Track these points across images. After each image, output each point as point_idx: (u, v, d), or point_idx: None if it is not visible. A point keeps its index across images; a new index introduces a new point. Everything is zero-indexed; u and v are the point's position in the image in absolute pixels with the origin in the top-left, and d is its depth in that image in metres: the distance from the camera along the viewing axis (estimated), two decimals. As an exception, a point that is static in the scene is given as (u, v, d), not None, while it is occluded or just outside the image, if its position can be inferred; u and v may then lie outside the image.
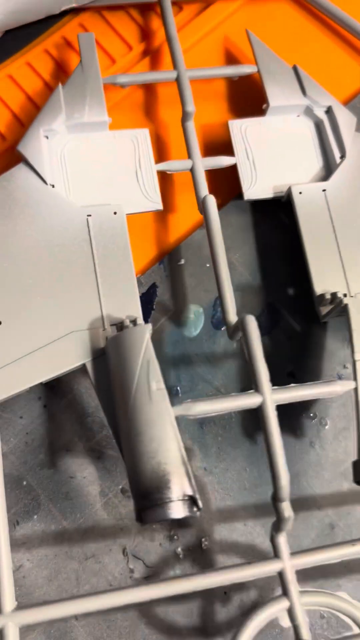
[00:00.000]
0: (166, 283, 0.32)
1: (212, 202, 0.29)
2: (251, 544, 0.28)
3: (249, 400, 0.24)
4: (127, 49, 0.35)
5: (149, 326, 0.25)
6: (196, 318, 0.32)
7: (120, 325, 0.27)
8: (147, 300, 0.32)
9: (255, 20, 0.36)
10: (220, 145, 0.33)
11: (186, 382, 0.30)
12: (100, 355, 0.26)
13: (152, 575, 0.28)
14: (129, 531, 0.28)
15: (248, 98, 0.34)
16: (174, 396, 0.30)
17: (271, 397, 0.24)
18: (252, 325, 0.24)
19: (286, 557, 0.24)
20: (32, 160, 0.30)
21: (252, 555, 0.28)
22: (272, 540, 0.24)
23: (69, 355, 0.26)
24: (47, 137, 0.30)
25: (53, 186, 0.29)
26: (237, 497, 0.29)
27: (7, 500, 0.25)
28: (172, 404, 0.24)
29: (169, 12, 0.34)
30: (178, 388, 0.30)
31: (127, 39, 0.35)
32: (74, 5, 0.35)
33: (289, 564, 0.24)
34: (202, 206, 0.29)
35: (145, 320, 0.30)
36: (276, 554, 0.24)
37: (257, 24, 0.36)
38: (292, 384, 0.25)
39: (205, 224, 0.29)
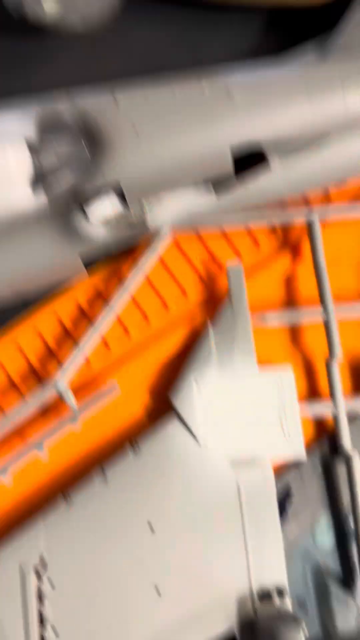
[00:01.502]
0: (300, 487, 0.35)
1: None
2: None
3: None
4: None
5: (301, 626, 0.28)
6: (328, 527, 0.34)
7: (267, 596, 0.30)
8: (280, 505, 0.34)
9: None
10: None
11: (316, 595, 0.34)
12: (247, 625, 0.30)
13: None
14: None
15: None
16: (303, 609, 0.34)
17: None
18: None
19: None
20: (185, 415, 0.32)
21: None
22: None
23: (216, 622, 0.30)
24: (197, 383, 0.32)
25: (204, 443, 0.32)
26: None
27: None
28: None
29: (318, 240, 0.33)
30: (306, 600, 0.34)
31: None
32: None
33: None
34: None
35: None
36: None
37: None
38: None
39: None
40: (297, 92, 0.31)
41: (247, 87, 0.31)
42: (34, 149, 0.29)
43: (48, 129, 0.29)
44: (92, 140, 0.29)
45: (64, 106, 0.30)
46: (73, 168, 0.30)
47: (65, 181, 0.30)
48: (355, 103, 0.31)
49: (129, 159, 0.29)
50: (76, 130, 0.29)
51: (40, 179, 0.29)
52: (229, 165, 0.31)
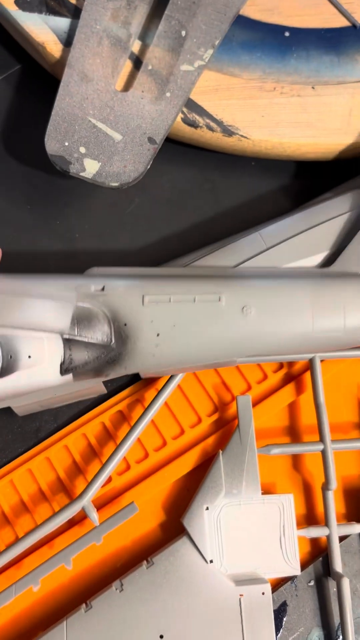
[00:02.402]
0: (295, 601, 0.38)
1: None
2: None
3: None
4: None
5: None
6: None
7: None
8: (276, 617, 0.38)
9: None
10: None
11: None
12: None
13: None
14: None
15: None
16: None
17: None
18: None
19: None
20: (195, 537, 0.36)
21: None
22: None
23: None
24: (207, 509, 0.36)
25: (211, 562, 0.36)
26: None
27: None
28: None
29: (318, 377, 0.37)
30: None
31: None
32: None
33: None
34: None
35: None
36: None
37: None
38: None
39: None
40: (304, 310, 0.35)
41: (261, 298, 0.35)
42: (66, 341, 0.33)
43: (82, 322, 0.33)
44: (118, 335, 0.33)
45: (98, 303, 0.33)
46: (99, 359, 0.33)
47: (91, 367, 0.33)
48: (354, 324, 0.35)
49: (148, 354, 0.33)
50: (107, 327, 0.33)
51: (69, 365, 0.33)
52: (235, 362, 0.36)
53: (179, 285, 0.34)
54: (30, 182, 0.43)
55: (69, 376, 0.33)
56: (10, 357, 0.32)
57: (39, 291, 0.33)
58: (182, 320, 0.33)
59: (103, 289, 0.34)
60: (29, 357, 0.32)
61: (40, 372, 0.32)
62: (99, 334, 0.33)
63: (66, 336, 0.33)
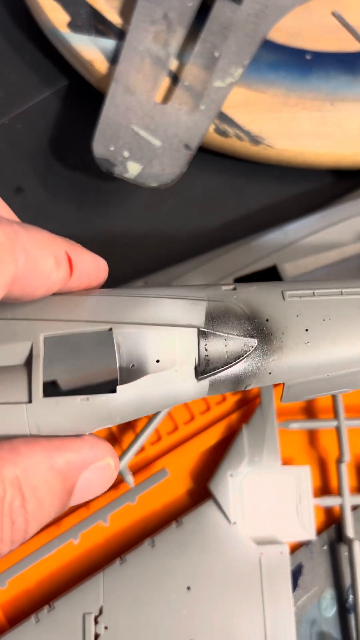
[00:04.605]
0: (310, 563, 0.42)
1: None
2: None
3: None
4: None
5: None
6: (332, 600, 0.41)
7: (280, 655, 0.37)
8: (292, 577, 0.41)
9: None
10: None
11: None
12: None
13: None
14: None
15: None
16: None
17: None
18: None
19: None
20: (220, 500, 0.39)
21: None
22: None
23: None
24: (231, 476, 0.40)
25: (234, 523, 0.39)
26: None
27: None
28: None
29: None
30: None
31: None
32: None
33: None
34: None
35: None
36: None
37: None
38: None
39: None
40: None
41: None
42: (202, 334, 0.26)
43: (217, 318, 0.27)
44: (261, 332, 0.27)
45: (233, 299, 0.28)
46: (245, 361, 0.27)
47: (230, 373, 0.27)
48: None
49: (298, 354, 0.27)
50: (247, 323, 0.27)
51: (205, 368, 0.26)
52: None
53: (317, 283, 0.29)
54: (74, 184, 0.47)
55: (205, 385, 0.26)
56: (133, 365, 0.25)
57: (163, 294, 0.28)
58: (333, 313, 0.28)
59: (235, 288, 0.28)
60: (157, 361, 0.25)
61: (170, 378, 0.26)
62: (238, 330, 0.27)
63: (202, 329, 0.26)
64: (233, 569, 0.38)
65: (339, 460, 0.40)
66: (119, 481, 0.40)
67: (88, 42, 0.45)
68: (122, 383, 0.25)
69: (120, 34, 0.45)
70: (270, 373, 0.27)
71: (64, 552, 0.39)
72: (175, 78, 0.44)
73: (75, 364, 0.35)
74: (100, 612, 0.37)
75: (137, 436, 0.40)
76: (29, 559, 0.38)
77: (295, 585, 0.40)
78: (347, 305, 0.28)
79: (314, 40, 0.47)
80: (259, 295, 0.28)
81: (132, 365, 0.25)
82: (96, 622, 0.37)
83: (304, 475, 0.40)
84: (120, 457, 0.39)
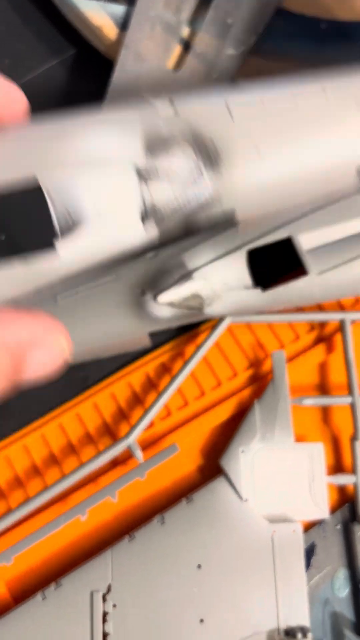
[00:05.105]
0: (323, 543, 0.41)
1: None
2: None
3: None
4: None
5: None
6: (346, 580, 0.40)
7: (292, 633, 0.36)
8: (305, 556, 0.40)
9: None
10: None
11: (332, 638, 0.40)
12: (275, 657, 0.36)
13: None
14: None
15: None
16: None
17: None
18: None
19: None
20: (232, 477, 0.38)
21: None
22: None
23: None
24: (243, 452, 0.39)
25: (246, 500, 0.38)
26: None
27: None
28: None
29: (349, 336, 0.40)
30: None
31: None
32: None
33: None
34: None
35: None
36: None
37: None
38: None
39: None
40: None
41: None
42: (142, 175, 0.23)
43: (155, 146, 0.24)
44: (206, 157, 0.24)
45: (172, 121, 0.25)
46: (187, 194, 0.24)
47: (180, 214, 0.24)
48: None
49: (249, 181, 0.25)
50: (189, 148, 0.24)
51: (150, 211, 0.24)
52: (352, 186, 0.27)
53: (267, 88, 0.26)
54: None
55: (152, 228, 0.24)
56: (70, 213, 0.22)
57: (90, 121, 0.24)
58: (285, 125, 0.25)
59: (173, 104, 0.25)
60: (95, 206, 0.22)
61: (114, 225, 0.23)
62: (182, 158, 0.23)
63: (140, 166, 0.23)
64: (245, 547, 0.37)
65: (354, 438, 0.39)
66: (128, 456, 0.39)
67: (97, 7, 0.44)
68: (64, 235, 0.22)
69: (130, 0, 0.44)
70: (221, 203, 0.24)
71: (71, 529, 0.38)
72: (187, 45, 0.43)
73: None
74: (109, 590, 0.36)
75: (146, 411, 0.39)
76: (35, 535, 0.37)
77: (307, 564, 0.39)
78: (302, 113, 0.25)
79: (329, 9, 0.46)
80: (201, 113, 0.25)
81: (69, 213, 0.22)
82: (104, 600, 0.36)
83: (317, 453, 0.39)
84: (129, 432, 0.38)
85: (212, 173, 0.24)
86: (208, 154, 0.24)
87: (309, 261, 0.39)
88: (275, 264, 0.41)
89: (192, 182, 0.24)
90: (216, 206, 0.25)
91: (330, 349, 0.42)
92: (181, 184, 0.24)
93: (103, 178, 0.23)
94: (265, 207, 0.26)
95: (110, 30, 0.44)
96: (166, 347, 0.42)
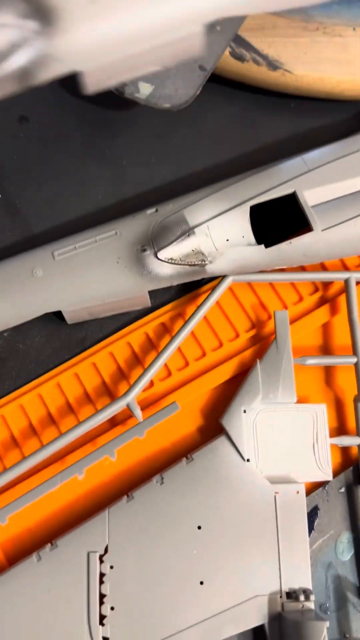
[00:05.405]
0: (326, 506, 0.39)
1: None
2: None
3: None
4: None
5: (326, 624, 0.33)
6: (349, 544, 0.39)
7: (294, 596, 0.35)
8: (308, 520, 0.39)
9: None
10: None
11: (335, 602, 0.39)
12: (275, 619, 0.35)
13: None
14: None
15: None
16: (323, 613, 0.38)
17: None
18: None
19: None
20: (233, 436, 0.37)
21: None
22: None
23: (250, 616, 0.35)
24: (245, 412, 0.38)
25: (248, 460, 0.37)
26: None
27: None
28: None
29: (353, 296, 0.39)
30: (327, 605, 0.39)
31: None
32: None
33: None
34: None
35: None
36: None
37: None
38: None
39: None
40: None
41: None
42: None
43: None
44: (38, 10, 0.22)
45: None
46: (21, 44, 0.22)
47: (13, 62, 0.22)
48: None
49: (85, 31, 0.22)
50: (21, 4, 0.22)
51: None
52: (197, 46, 0.24)
53: None
54: (82, 114, 0.45)
55: None
56: None
57: None
58: None
59: None
60: None
61: None
62: (10, 9, 0.22)
63: None
64: (246, 508, 0.36)
65: (357, 399, 0.38)
66: (128, 416, 0.38)
67: None
68: None
69: None
70: (61, 62, 0.22)
71: (68, 489, 0.37)
72: (189, -2, 0.42)
73: None
74: (106, 551, 0.35)
75: (146, 370, 0.38)
76: (31, 494, 0.36)
77: (310, 528, 0.38)
78: None
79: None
80: None
81: None
82: (101, 561, 0.35)
83: (320, 414, 0.38)
84: (128, 391, 0.37)
85: (43, 23, 0.22)
86: (39, 5, 0.22)
87: (313, 217, 0.39)
88: (279, 220, 0.40)
89: (20, 39, 0.22)
90: (52, 59, 0.23)
91: (334, 310, 0.41)
92: (12, 33, 0.22)
93: None
94: (107, 59, 0.23)
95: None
96: (167, 307, 0.41)
